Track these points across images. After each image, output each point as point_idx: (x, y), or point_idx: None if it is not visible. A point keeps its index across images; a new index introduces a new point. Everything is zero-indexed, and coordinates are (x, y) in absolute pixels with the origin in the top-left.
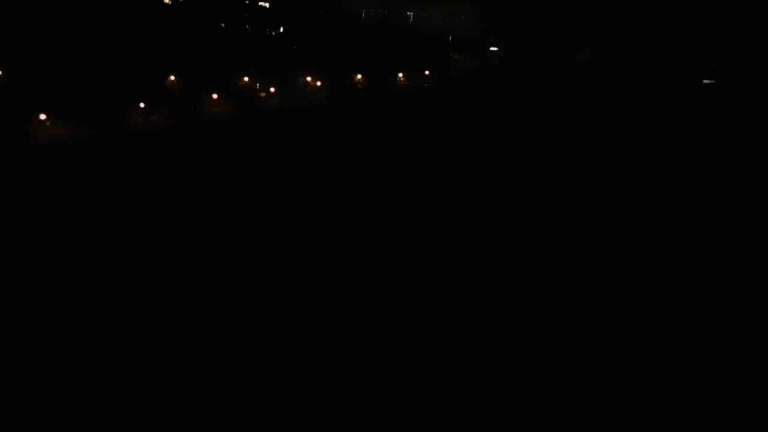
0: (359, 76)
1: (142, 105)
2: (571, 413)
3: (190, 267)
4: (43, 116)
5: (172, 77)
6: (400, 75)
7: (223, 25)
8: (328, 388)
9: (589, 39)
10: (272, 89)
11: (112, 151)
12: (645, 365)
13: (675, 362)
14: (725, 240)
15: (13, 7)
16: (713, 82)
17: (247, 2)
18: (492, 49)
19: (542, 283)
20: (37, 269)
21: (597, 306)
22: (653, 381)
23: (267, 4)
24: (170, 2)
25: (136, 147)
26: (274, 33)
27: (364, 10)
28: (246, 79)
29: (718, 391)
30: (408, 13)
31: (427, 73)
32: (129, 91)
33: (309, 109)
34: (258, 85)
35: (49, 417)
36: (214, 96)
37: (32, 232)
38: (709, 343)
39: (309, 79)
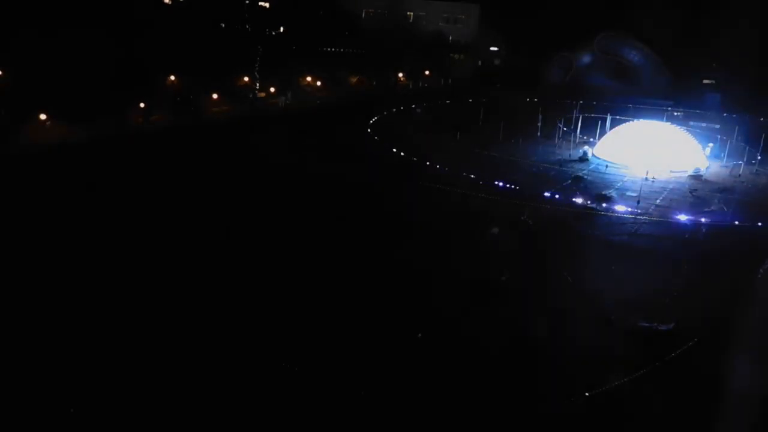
0: (359, 76)
1: (142, 105)
2: (571, 413)
3: (190, 267)
4: (43, 116)
5: (172, 77)
6: (400, 75)
7: (223, 25)
8: (331, 387)
9: (589, 39)
10: (272, 89)
11: (111, 151)
12: (644, 365)
13: (675, 362)
14: (725, 240)
15: (13, 8)
16: (713, 82)
17: (247, 2)
18: (492, 49)
19: (541, 284)
20: (37, 269)
21: (597, 306)
22: (653, 381)
23: (267, 4)
24: (170, 2)
25: (137, 147)
26: (274, 33)
27: (364, 10)
28: (246, 79)
29: (718, 390)
30: (408, 13)
31: (427, 73)
32: (129, 91)
33: (309, 109)
34: (258, 85)
35: (50, 417)
36: (214, 96)
37: (32, 233)
38: (709, 344)
39: (309, 79)
